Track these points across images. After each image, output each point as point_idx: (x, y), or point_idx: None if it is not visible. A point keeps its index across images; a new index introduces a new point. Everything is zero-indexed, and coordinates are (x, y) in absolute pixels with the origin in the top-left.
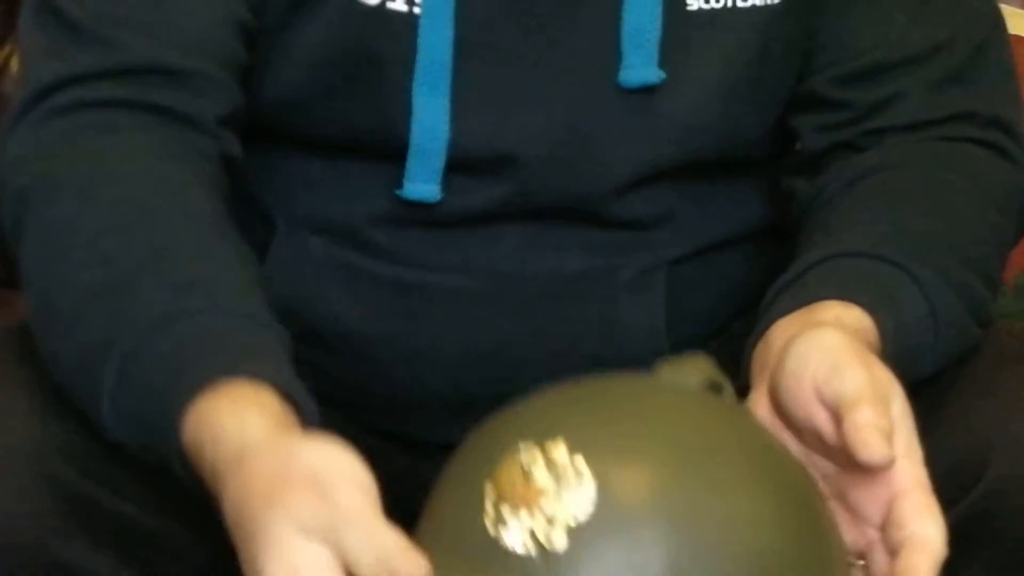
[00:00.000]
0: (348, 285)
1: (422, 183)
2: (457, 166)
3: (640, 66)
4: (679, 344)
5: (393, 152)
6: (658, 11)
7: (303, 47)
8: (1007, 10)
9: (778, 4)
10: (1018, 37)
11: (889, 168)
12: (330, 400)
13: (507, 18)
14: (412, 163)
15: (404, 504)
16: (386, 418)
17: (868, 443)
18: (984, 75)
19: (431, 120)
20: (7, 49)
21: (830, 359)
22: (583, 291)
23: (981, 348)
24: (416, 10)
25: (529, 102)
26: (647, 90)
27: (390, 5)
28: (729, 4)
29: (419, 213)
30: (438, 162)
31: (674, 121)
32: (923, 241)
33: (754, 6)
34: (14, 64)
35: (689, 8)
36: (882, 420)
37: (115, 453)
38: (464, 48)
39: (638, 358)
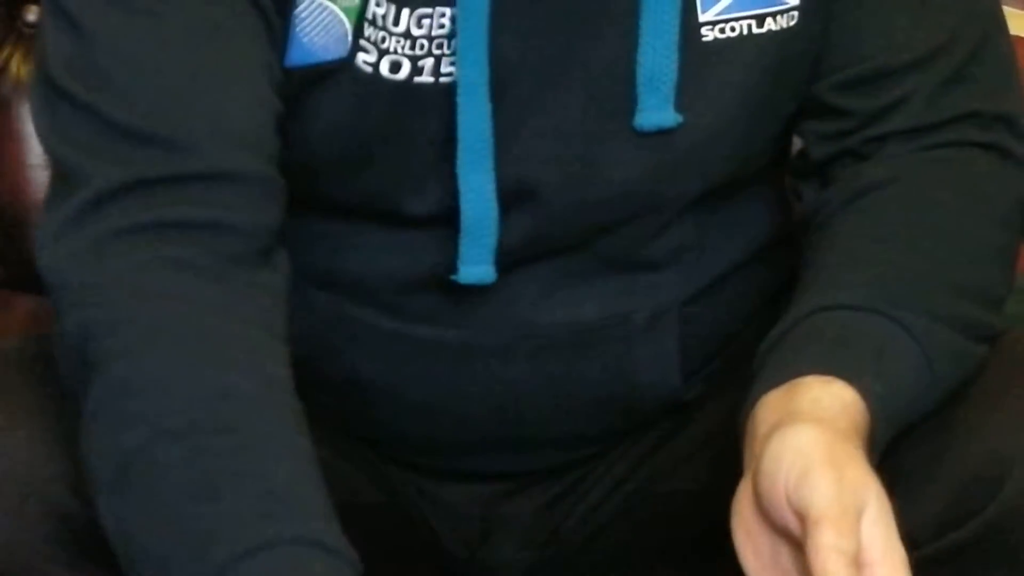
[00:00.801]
0: (355, 339)
1: (476, 265)
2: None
3: (656, 109)
4: (691, 372)
5: (422, 220)
6: (674, 54)
7: (323, 120)
8: (1008, 11)
9: (795, 25)
10: (1019, 38)
11: (888, 185)
12: (344, 430)
13: (531, 74)
14: (465, 246)
15: (418, 522)
16: (397, 452)
17: (827, 570)
18: (986, 72)
19: (480, 201)
20: (7, 50)
21: (801, 463)
22: (597, 340)
23: (991, 360)
24: (443, 80)
25: (547, 146)
26: (665, 129)
27: (417, 79)
28: (745, 32)
29: (434, 276)
30: (491, 241)
31: (691, 157)
32: (915, 282)
33: (771, 31)
34: (14, 65)
35: (705, 40)
36: (844, 541)
37: None
38: (501, 119)
39: (650, 392)
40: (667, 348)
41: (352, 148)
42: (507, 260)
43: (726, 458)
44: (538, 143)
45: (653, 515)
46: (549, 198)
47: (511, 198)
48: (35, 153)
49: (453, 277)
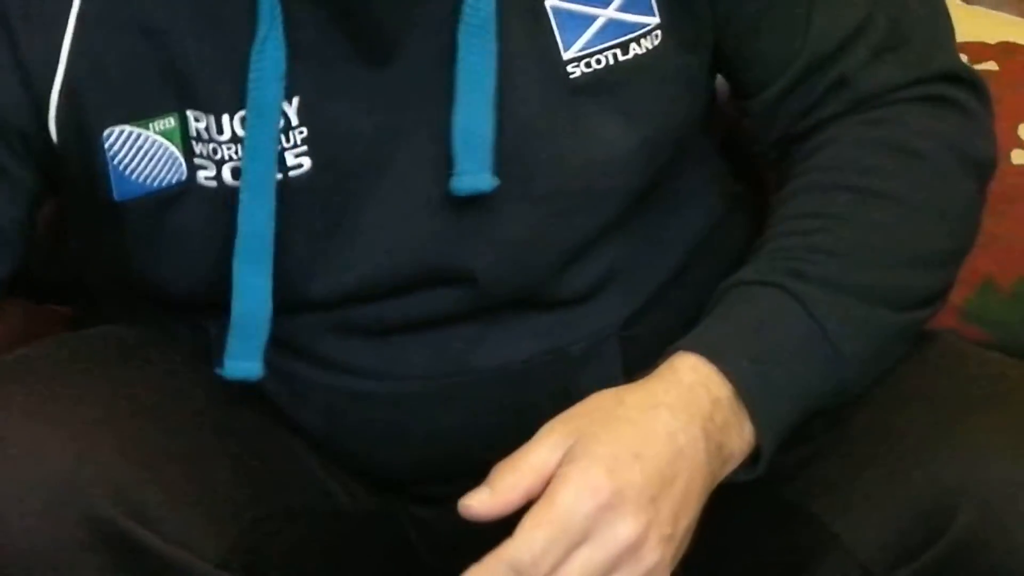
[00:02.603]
0: (304, 395)
1: (243, 360)
2: (370, 295)
3: (471, 172)
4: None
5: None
6: (489, 117)
7: (179, 242)
8: (1004, 18)
9: (659, 44)
10: (1017, 45)
11: (810, 159)
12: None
13: (354, 163)
14: (233, 341)
15: (393, 533)
16: (364, 476)
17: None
18: (912, 33)
19: (252, 298)
20: None
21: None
22: (536, 375)
23: (946, 382)
24: (291, 175)
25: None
26: (551, 169)
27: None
28: (611, 61)
29: (354, 327)
30: (260, 338)
31: (587, 191)
32: (825, 255)
33: (636, 55)
34: None
35: (572, 77)
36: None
37: (145, 485)
38: (287, 217)
39: None
40: (611, 372)
41: (206, 257)
42: (430, 317)
43: None
44: (398, 226)
45: None
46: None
47: (394, 282)
48: None
49: (217, 370)
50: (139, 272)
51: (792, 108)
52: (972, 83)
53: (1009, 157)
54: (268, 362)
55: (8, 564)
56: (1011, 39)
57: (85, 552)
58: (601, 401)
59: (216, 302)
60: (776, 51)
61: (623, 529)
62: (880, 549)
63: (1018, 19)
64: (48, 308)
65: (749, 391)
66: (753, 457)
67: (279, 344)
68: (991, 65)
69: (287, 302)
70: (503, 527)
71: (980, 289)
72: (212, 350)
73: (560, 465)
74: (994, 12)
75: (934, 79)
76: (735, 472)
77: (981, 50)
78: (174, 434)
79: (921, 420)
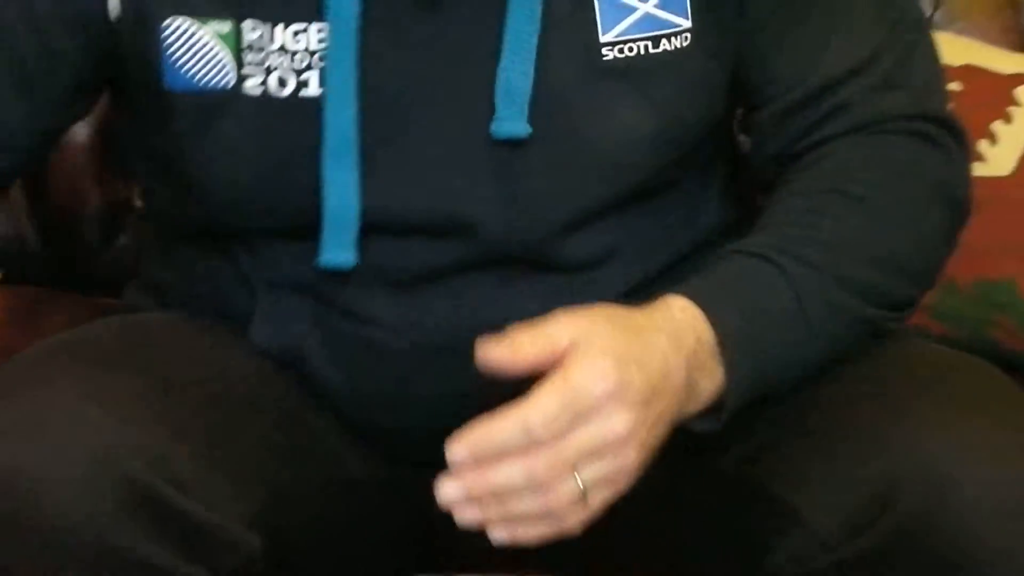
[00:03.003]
0: (328, 347)
1: (337, 251)
2: (400, 228)
3: (509, 119)
4: None
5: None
6: (530, 72)
7: (224, 148)
8: (968, 43)
9: (688, 45)
10: (979, 68)
11: (822, 163)
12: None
13: (399, 87)
14: (328, 234)
15: (409, 502)
16: (380, 442)
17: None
18: (912, 76)
19: (343, 192)
20: None
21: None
22: None
23: (897, 369)
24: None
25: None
26: (559, 138)
27: (303, 93)
28: (642, 51)
29: (379, 273)
30: (352, 231)
31: (592, 165)
32: (814, 241)
33: (665, 51)
34: None
35: (605, 59)
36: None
37: (179, 454)
38: (368, 122)
39: None
40: None
41: (252, 168)
42: (447, 268)
43: (683, 428)
44: (413, 152)
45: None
46: (464, 214)
47: (431, 222)
48: (86, 165)
49: (316, 261)
50: (186, 178)
51: (795, 124)
52: (957, 131)
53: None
54: (296, 312)
55: (52, 525)
56: (974, 63)
57: (122, 514)
58: (610, 311)
59: (246, 226)
60: (791, 69)
61: (619, 421)
62: (836, 524)
63: (981, 44)
64: (96, 299)
65: (729, 340)
66: (715, 410)
67: (304, 292)
68: (956, 85)
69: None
70: None
71: (943, 289)
72: (246, 287)
73: (570, 347)
74: (960, 37)
75: (926, 119)
76: (694, 418)
77: (948, 72)
78: (206, 408)
79: (875, 408)
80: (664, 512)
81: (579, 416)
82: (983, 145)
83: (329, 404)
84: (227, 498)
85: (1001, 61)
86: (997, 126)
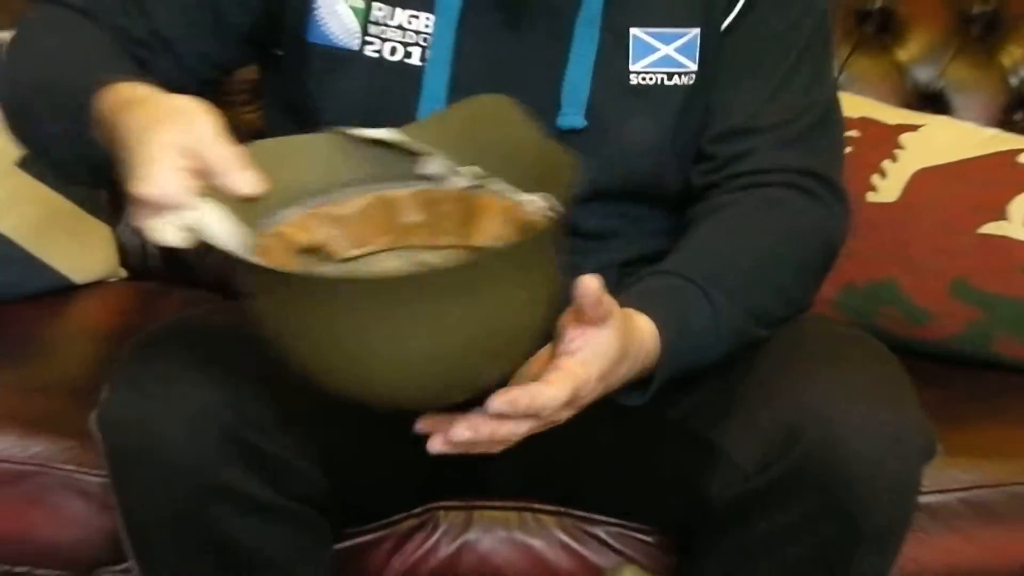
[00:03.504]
0: None
1: None
2: None
3: (571, 115)
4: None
5: None
6: (588, 79)
7: (340, 100)
8: (864, 100)
9: (693, 84)
10: (872, 120)
11: (733, 207)
12: None
13: (485, 72)
14: None
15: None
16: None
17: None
18: (816, 142)
19: None
20: None
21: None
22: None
23: (807, 345)
24: (424, 63)
25: None
26: (597, 133)
27: (407, 61)
28: (659, 82)
29: None
30: None
31: (613, 158)
32: (727, 270)
33: (676, 84)
34: None
35: (631, 83)
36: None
37: (262, 409)
38: (454, 94)
39: None
40: (610, 288)
41: (360, 114)
42: None
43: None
44: None
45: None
46: None
47: None
48: None
49: None
50: (312, 121)
51: (716, 152)
52: (838, 190)
53: (865, 197)
54: None
55: (168, 461)
56: (868, 115)
57: (219, 452)
58: (617, 348)
59: None
60: (726, 107)
61: (567, 415)
62: (754, 459)
63: (873, 101)
64: (199, 291)
65: (668, 360)
66: (641, 385)
67: None
68: (855, 132)
69: None
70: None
71: (844, 288)
72: None
73: (585, 364)
74: (858, 96)
75: (814, 176)
76: (623, 395)
77: (848, 122)
78: (284, 376)
79: (787, 368)
80: (623, 457)
81: (566, 406)
82: (875, 178)
83: None
84: (295, 441)
85: (889, 114)
86: (886, 164)
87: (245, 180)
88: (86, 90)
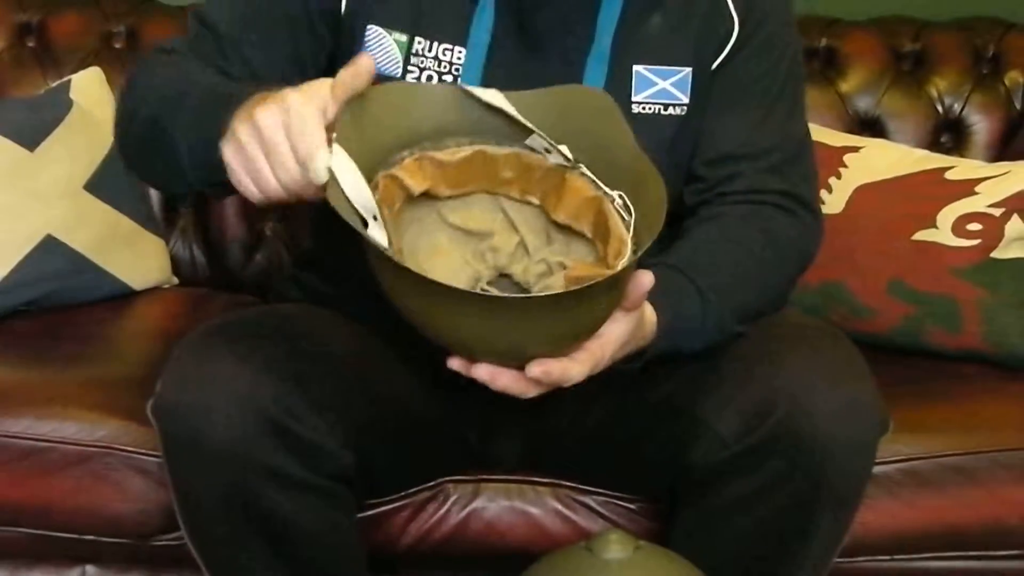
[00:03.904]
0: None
1: None
2: None
3: None
4: None
5: None
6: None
7: None
8: (813, 127)
9: (684, 114)
10: (820, 143)
11: (721, 219)
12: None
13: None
14: None
15: (433, 418)
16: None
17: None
18: (794, 170)
19: None
20: None
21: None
22: None
23: (779, 331)
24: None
25: None
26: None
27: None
28: (656, 111)
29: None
30: None
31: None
32: (715, 269)
33: (671, 114)
34: None
35: (633, 110)
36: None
37: (297, 396)
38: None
39: None
40: None
41: None
42: None
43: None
44: None
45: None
46: None
47: None
48: (232, 204)
49: None
50: None
51: (706, 175)
52: (814, 211)
53: None
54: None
55: (212, 444)
56: (816, 139)
57: (258, 435)
58: (629, 336)
59: None
60: (714, 136)
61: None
62: (733, 428)
63: (819, 127)
64: (240, 296)
65: (660, 339)
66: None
67: None
68: None
69: None
70: (528, 413)
71: (800, 288)
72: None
73: (603, 345)
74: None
75: (792, 198)
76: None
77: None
78: (315, 365)
79: (763, 352)
80: (614, 432)
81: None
82: (823, 194)
83: (403, 355)
84: (328, 426)
85: (834, 138)
86: (832, 180)
87: (359, 67)
88: (219, 100)
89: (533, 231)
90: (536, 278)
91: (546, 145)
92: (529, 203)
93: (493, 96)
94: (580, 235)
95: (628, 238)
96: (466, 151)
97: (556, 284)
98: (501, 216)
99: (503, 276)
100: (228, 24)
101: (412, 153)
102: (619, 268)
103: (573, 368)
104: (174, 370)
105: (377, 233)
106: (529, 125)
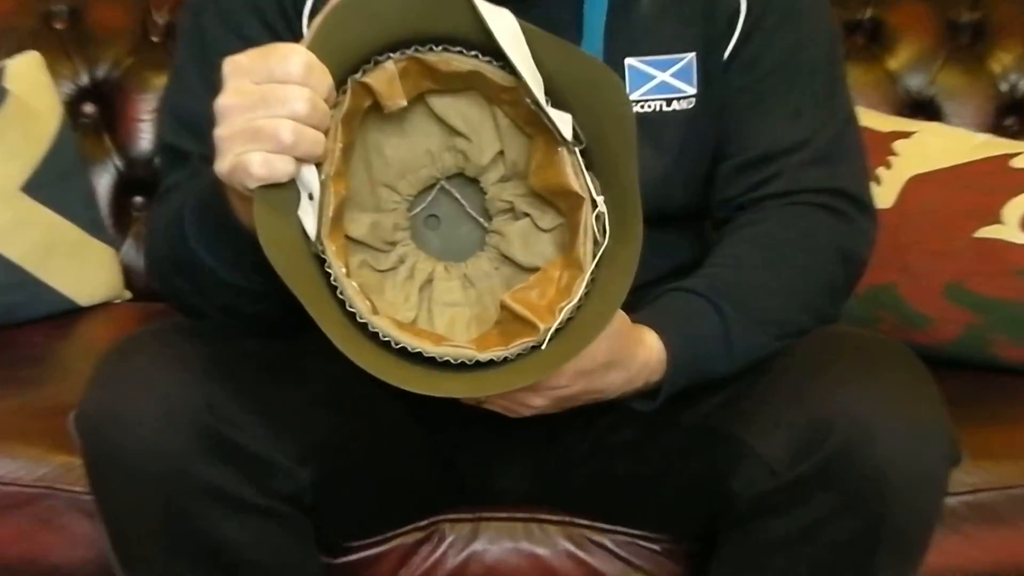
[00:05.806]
0: None
1: None
2: None
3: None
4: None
5: None
6: None
7: None
8: (859, 109)
9: (693, 108)
10: (866, 128)
11: (758, 224)
12: None
13: None
14: None
15: (437, 452)
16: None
17: None
18: (836, 159)
19: None
20: None
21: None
22: None
23: (828, 345)
24: None
25: None
26: None
27: None
28: (658, 108)
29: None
30: None
31: None
32: (742, 286)
33: (675, 110)
34: None
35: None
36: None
37: (238, 404)
38: None
39: None
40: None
41: None
42: None
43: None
44: None
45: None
46: None
47: None
48: None
49: None
50: None
51: (739, 181)
52: (864, 205)
53: None
54: None
55: (141, 456)
56: (863, 124)
57: (192, 447)
58: (597, 350)
59: None
60: (745, 136)
61: (539, 402)
62: (781, 455)
63: (867, 109)
64: None
65: (676, 371)
66: (652, 395)
67: None
68: None
69: None
70: (533, 448)
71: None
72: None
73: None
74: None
75: (837, 194)
76: (635, 400)
77: None
78: (260, 372)
79: (817, 369)
80: (640, 461)
81: (533, 393)
82: (871, 186)
83: None
84: (276, 438)
85: (881, 122)
86: (881, 171)
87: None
88: (206, 189)
89: (520, 156)
90: (497, 212)
91: (538, 93)
92: (523, 131)
93: (502, 15)
94: (555, 206)
95: (588, 271)
96: (462, 64)
97: (512, 235)
98: (491, 123)
99: (463, 177)
100: (181, 138)
101: (402, 55)
102: (549, 332)
103: (534, 399)
104: (97, 377)
105: (308, 218)
106: (528, 72)
